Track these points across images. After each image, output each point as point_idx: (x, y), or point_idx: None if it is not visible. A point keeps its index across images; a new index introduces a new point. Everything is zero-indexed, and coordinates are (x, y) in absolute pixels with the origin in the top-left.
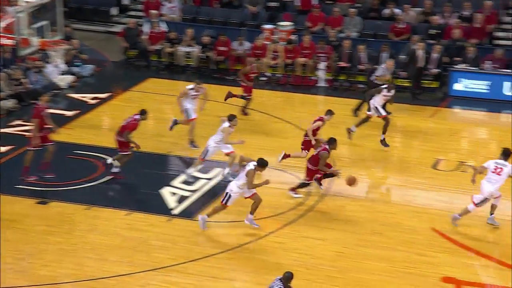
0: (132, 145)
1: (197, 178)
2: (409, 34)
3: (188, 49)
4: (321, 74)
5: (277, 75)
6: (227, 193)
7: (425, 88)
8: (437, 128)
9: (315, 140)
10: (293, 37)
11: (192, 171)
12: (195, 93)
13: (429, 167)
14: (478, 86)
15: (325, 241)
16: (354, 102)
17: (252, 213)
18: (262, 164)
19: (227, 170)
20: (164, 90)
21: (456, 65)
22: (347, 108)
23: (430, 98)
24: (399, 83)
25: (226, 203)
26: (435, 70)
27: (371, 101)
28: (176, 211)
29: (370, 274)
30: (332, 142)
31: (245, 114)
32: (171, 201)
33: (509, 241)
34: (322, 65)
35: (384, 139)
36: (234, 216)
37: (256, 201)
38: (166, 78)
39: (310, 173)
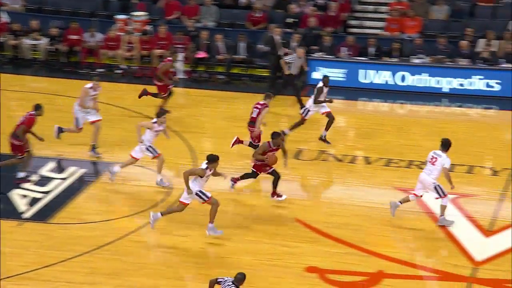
0: (26, 148)
1: (50, 179)
2: (266, 23)
3: (34, 41)
4: (179, 66)
5: (133, 67)
6: (196, 193)
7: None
8: (298, 117)
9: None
10: (148, 27)
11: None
12: (95, 93)
13: (291, 157)
14: (335, 74)
15: (190, 237)
16: (214, 93)
17: (212, 221)
18: (213, 159)
19: (159, 178)
20: (8, 86)
21: (313, 53)
22: (206, 100)
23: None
24: (259, 73)
25: (205, 199)
26: None
27: (309, 102)
28: (27, 215)
29: (235, 268)
30: (277, 136)
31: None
32: (21, 204)
33: (370, 227)
34: (180, 56)
35: (325, 136)
36: (93, 216)
37: (214, 206)
38: (11, 73)
39: (259, 168)
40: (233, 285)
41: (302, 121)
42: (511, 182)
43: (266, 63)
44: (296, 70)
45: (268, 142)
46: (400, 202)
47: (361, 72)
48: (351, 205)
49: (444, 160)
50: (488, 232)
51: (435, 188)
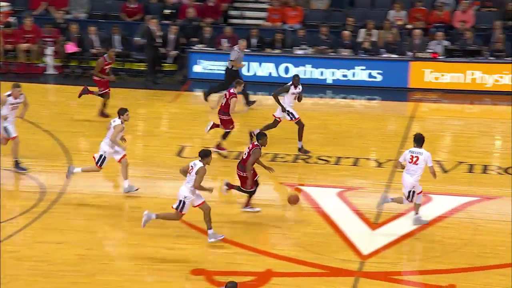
0: None
1: None
2: (142, 14)
3: None
4: (49, 61)
5: None
6: (180, 200)
7: (164, 72)
8: (180, 113)
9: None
10: (11, 19)
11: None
12: (15, 101)
13: (174, 154)
14: (218, 67)
15: (66, 244)
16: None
17: (210, 228)
18: (206, 155)
19: (126, 184)
20: None
21: (193, 46)
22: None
23: (170, 82)
24: (136, 67)
25: (181, 211)
26: (174, 52)
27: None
28: None
29: (118, 275)
30: (262, 136)
31: (105, 115)
32: None
33: (257, 225)
34: (49, 50)
35: (302, 146)
36: None
37: (206, 211)
38: None
39: (243, 180)
40: None
41: (301, 126)
42: (395, 174)
43: (143, 57)
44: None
45: (256, 145)
46: (392, 199)
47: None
48: (239, 203)
49: (426, 157)
50: (374, 224)
51: (409, 193)
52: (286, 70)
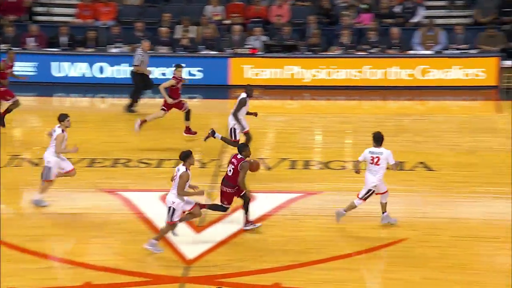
0: None
1: None
2: None
3: None
4: None
5: None
6: (169, 208)
7: None
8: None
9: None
10: None
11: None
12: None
13: None
14: (23, 68)
15: None
16: None
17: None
18: (186, 156)
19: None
20: None
21: None
22: None
23: None
24: None
25: (172, 219)
26: None
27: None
28: None
29: None
30: (244, 148)
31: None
32: None
33: (74, 236)
34: None
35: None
36: None
37: (196, 215)
38: None
39: (228, 196)
40: None
41: (234, 144)
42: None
43: None
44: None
45: (242, 159)
46: (344, 210)
47: (54, 64)
48: (54, 213)
49: (387, 155)
50: (198, 228)
51: (368, 191)
52: (101, 69)
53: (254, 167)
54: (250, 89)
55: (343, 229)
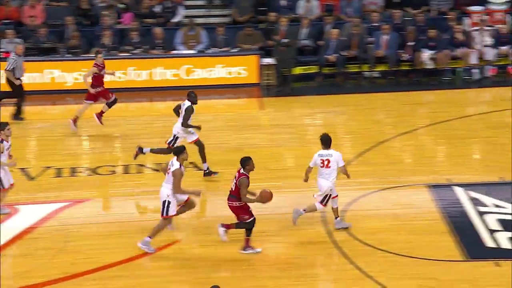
0: None
1: None
2: None
3: None
4: None
5: None
6: (164, 201)
7: None
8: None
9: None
10: None
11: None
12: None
13: None
14: None
15: None
16: None
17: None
18: (179, 151)
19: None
20: None
21: None
22: None
23: None
24: None
25: (167, 213)
26: None
27: (176, 126)
28: None
29: None
30: (247, 162)
31: None
32: None
33: None
34: None
35: (208, 168)
36: None
37: (191, 206)
38: None
39: (240, 211)
40: None
41: (168, 151)
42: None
43: None
44: (21, 73)
45: (243, 174)
46: (304, 210)
47: None
48: None
49: (337, 157)
50: None
51: (325, 197)
52: None
53: (265, 198)
54: (193, 96)
55: (115, 235)
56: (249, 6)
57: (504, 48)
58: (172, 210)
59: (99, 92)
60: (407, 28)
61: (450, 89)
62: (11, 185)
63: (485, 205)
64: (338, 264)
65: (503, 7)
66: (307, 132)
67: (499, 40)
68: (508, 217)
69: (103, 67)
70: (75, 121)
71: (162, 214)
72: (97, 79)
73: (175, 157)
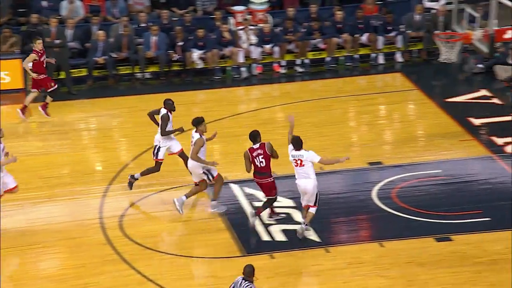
0: None
1: None
2: None
3: None
4: None
5: None
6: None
7: None
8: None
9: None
10: None
11: None
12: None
13: None
14: None
15: None
16: None
17: (216, 198)
18: (198, 122)
19: None
20: None
21: None
22: None
23: None
24: None
25: (211, 179)
26: None
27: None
28: None
29: None
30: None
31: None
32: None
33: None
34: None
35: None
36: None
37: (219, 182)
38: None
39: (273, 186)
40: (246, 282)
41: (157, 166)
42: None
43: None
44: None
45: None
46: (305, 224)
47: None
48: None
49: (309, 156)
50: None
51: (316, 195)
52: None
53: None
54: (170, 104)
55: None
56: (7, 7)
57: (268, 47)
58: (215, 173)
59: (42, 80)
60: (175, 28)
61: (221, 87)
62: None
63: (260, 200)
64: (119, 270)
65: (264, 6)
66: (81, 137)
67: (263, 38)
68: (280, 210)
69: (43, 54)
70: (23, 110)
71: (209, 179)
72: (38, 66)
73: (195, 129)
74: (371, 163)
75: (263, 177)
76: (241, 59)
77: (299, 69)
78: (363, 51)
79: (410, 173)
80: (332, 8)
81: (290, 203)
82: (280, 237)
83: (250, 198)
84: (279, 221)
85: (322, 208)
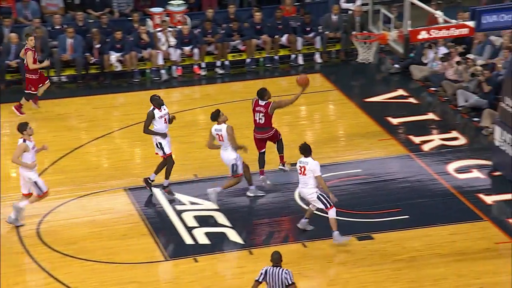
0: None
1: None
2: None
3: None
4: None
5: None
6: (232, 165)
7: None
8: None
9: None
10: None
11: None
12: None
13: None
14: None
15: None
16: None
17: (251, 183)
18: (216, 115)
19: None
20: None
21: None
22: None
23: None
24: None
25: (237, 172)
26: None
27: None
28: None
29: None
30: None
31: None
32: None
33: None
34: None
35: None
36: None
37: (246, 170)
38: None
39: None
40: (279, 267)
41: (165, 162)
42: None
43: None
44: None
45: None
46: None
47: None
48: None
49: (312, 166)
50: None
51: (318, 198)
52: None
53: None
54: (157, 99)
55: None
56: None
57: (187, 49)
58: (240, 169)
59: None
60: (91, 30)
61: (141, 90)
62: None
63: (182, 204)
64: (36, 279)
65: (182, 8)
66: None
67: (183, 40)
68: (203, 213)
69: (35, 51)
70: (35, 101)
71: (234, 174)
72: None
73: (216, 123)
74: (293, 164)
75: (264, 132)
76: (160, 61)
77: (220, 71)
78: (282, 52)
79: (331, 173)
80: (250, 9)
81: (213, 205)
82: (203, 240)
83: (173, 201)
84: (202, 224)
85: (244, 210)
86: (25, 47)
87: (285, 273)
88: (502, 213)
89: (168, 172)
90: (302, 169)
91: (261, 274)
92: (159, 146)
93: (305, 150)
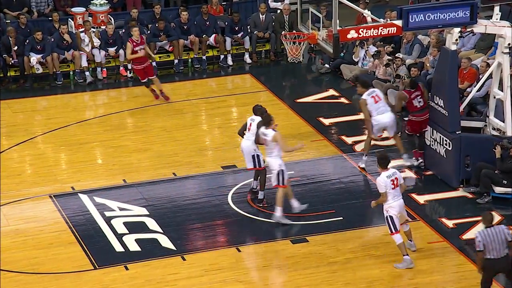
0: None
1: None
2: None
3: None
4: None
5: None
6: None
7: None
8: None
9: None
10: None
11: None
12: None
13: None
14: None
15: None
16: None
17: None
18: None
19: None
20: None
21: None
22: None
23: None
24: None
25: (283, 182)
26: None
27: None
28: None
29: None
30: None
31: None
32: None
33: None
34: None
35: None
36: None
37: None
38: None
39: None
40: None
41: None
42: None
43: None
44: None
45: None
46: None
47: None
48: None
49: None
50: None
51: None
52: None
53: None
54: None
55: None
56: None
57: (112, 50)
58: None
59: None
60: (9, 31)
61: (65, 93)
62: None
63: (111, 210)
64: None
65: (105, 8)
66: None
67: (107, 41)
68: (133, 219)
69: None
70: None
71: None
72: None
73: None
74: (224, 167)
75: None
76: (84, 62)
77: None
78: (211, 53)
79: None
80: (177, 9)
81: (144, 211)
82: (134, 247)
83: (101, 208)
84: (132, 230)
85: (177, 215)
86: None
87: (506, 228)
88: (434, 213)
89: (263, 183)
90: (395, 181)
91: (479, 242)
92: (256, 159)
93: (385, 161)
